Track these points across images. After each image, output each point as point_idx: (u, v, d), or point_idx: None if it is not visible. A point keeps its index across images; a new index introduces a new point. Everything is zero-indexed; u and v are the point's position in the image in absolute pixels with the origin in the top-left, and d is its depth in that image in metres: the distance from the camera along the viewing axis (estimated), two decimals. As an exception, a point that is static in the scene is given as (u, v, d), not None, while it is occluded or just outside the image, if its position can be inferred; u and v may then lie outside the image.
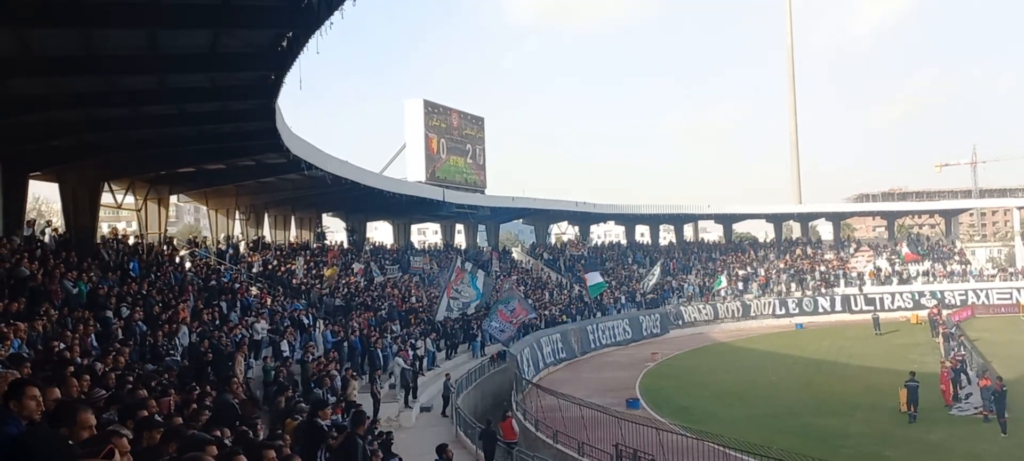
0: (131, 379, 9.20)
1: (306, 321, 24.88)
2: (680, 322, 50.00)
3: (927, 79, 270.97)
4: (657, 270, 51.72)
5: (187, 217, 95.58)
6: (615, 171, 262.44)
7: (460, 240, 54.96)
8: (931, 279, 56.96)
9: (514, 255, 56.34)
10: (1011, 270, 60.38)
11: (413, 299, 36.61)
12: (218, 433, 6.47)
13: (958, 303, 53.15)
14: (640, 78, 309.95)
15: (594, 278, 45.66)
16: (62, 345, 11.49)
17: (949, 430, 22.66)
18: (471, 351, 34.02)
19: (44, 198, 59.76)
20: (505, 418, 21.33)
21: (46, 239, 21.25)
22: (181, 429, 5.75)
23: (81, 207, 23.24)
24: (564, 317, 42.80)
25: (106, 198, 25.45)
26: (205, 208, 36.16)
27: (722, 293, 53.24)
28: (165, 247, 25.84)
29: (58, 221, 24.98)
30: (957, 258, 61.45)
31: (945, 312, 46.14)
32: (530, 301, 39.19)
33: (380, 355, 25.23)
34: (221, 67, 16.33)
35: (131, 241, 24.57)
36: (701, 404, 27.79)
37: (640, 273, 54.06)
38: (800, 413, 25.59)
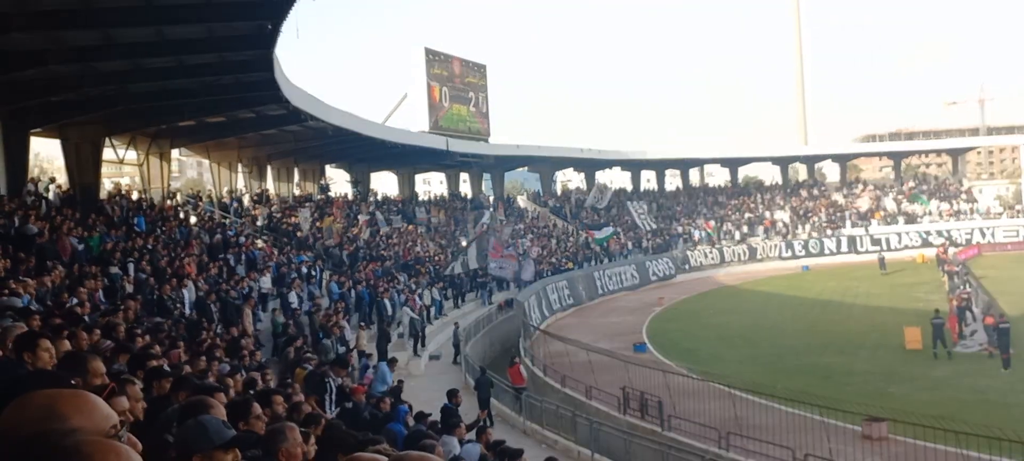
0: (139, 332, 9.26)
1: (313, 274, 25.00)
2: (687, 266, 50.09)
3: (936, 16, 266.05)
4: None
5: (190, 172, 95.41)
6: (620, 119, 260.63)
7: (465, 189, 54.82)
8: (938, 218, 56.74)
9: (519, 203, 56.27)
10: (1018, 207, 60.03)
11: (418, 248, 36.72)
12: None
13: (964, 242, 53.03)
14: (645, 19, 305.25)
15: (601, 232, 46.35)
16: (74, 300, 11.55)
17: (953, 366, 22.82)
18: (479, 300, 34.26)
19: (46, 155, 59.60)
20: (513, 364, 21.56)
21: (50, 196, 21.25)
22: (190, 378, 5.80)
23: (84, 163, 23.16)
24: (570, 264, 42.93)
25: (108, 153, 25.35)
26: (207, 162, 36.02)
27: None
28: (169, 201, 25.84)
29: (62, 178, 24.92)
30: (964, 197, 61.11)
31: (951, 251, 46.07)
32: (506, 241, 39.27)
33: (388, 305, 25.41)
34: (217, 17, 16.14)
35: (134, 196, 24.55)
36: (707, 346, 28.00)
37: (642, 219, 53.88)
38: (805, 353, 25.76)
